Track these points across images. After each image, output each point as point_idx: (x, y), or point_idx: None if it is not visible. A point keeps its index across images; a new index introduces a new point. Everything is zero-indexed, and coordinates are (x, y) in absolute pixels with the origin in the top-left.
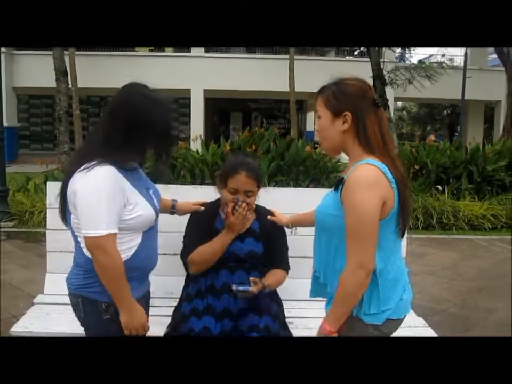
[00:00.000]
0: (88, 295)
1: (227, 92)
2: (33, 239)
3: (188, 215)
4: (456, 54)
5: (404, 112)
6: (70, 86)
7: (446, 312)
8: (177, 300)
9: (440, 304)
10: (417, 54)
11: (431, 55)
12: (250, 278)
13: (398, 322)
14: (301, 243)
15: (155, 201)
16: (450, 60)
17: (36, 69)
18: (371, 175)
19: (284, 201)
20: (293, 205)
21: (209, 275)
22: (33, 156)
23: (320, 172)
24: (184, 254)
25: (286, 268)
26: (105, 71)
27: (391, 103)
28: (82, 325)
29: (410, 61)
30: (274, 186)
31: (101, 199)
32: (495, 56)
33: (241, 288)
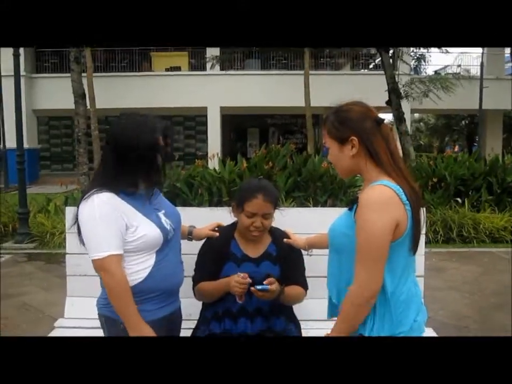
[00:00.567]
0: (110, 315)
1: (243, 108)
2: (54, 260)
3: None
4: (472, 64)
5: (421, 123)
6: (88, 107)
7: (468, 329)
8: (195, 322)
9: (461, 321)
10: (432, 65)
11: (446, 66)
12: (265, 281)
13: None
14: (316, 263)
15: (163, 220)
16: (466, 70)
17: (54, 91)
18: (384, 196)
19: (301, 222)
20: (310, 225)
21: (226, 299)
22: (54, 177)
23: (337, 187)
24: (194, 280)
25: (304, 287)
26: (122, 91)
27: (407, 115)
28: None
29: (425, 72)
30: (291, 202)
31: (98, 224)
32: None
33: (259, 287)
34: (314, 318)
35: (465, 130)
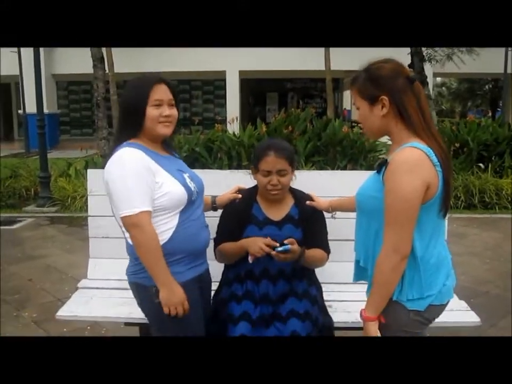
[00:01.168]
0: (139, 281)
1: (262, 72)
2: (75, 223)
3: None
4: None
5: (444, 88)
6: (107, 71)
7: (488, 294)
8: (218, 284)
9: (482, 286)
10: None
11: None
12: (286, 240)
13: (440, 309)
14: (339, 226)
15: (188, 181)
16: None
17: (73, 56)
18: (414, 159)
19: (322, 184)
20: (331, 187)
21: (248, 260)
22: (74, 142)
23: (357, 151)
24: (215, 242)
25: (326, 251)
26: (141, 56)
27: (430, 79)
28: (142, 311)
29: None
30: (311, 167)
31: (129, 179)
32: None
33: (280, 248)
34: (336, 281)
35: (488, 95)
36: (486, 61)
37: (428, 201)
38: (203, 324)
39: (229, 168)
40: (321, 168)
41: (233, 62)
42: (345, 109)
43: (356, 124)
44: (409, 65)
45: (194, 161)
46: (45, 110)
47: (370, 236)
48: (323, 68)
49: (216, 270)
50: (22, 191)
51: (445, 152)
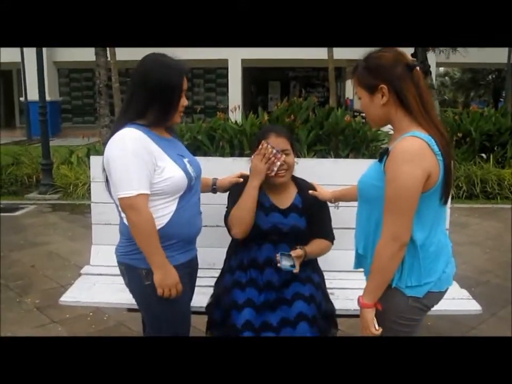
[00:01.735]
0: (130, 262)
1: (264, 61)
2: (77, 211)
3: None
4: None
5: (447, 78)
6: (109, 59)
7: (489, 283)
8: (219, 271)
9: (483, 275)
10: None
11: None
12: (292, 253)
13: (439, 295)
14: (342, 214)
15: (188, 166)
16: None
17: None
18: (415, 148)
19: (324, 173)
20: (332, 176)
21: (252, 248)
22: (76, 129)
23: (360, 141)
24: (226, 219)
25: (330, 238)
26: None
27: (433, 69)
28: (130, 292)
29: None
30: (313, 155)
31: (130, 160)
32: None
33: (287, 268)
34: (338, 269)
35: (491, 85)
36: (489, 51)
37: (428, 190)
38: (189, 307)
39: (231, 157)
40: (323, 157)
41: (235, 51)
42: (347, 98)
43: (358, 113)
44: (412, 55)
45: (196, 149)
46: (47, 98)
47: (371, 224)
48: (325, 57)
49: (210, 256)
50: (24, 178)
51: (446, 141)
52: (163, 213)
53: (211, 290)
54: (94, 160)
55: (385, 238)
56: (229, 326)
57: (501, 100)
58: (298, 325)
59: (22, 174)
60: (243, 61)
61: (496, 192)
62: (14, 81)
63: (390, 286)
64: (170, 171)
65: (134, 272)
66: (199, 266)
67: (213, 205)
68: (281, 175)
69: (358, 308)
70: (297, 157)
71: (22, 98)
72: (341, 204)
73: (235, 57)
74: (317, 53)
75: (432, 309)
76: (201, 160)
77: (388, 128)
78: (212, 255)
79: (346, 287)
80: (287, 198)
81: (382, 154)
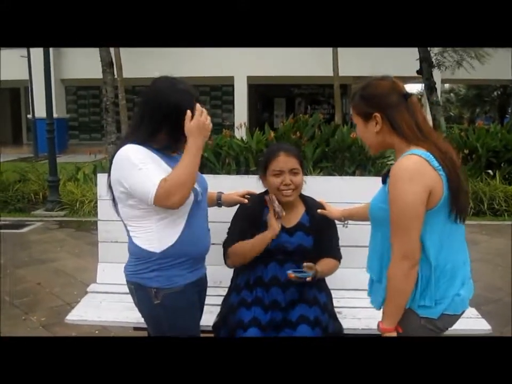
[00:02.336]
0: (139, 281)
1: (270, 78)
2: (84, 227)
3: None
4: None
5: (452, 94)
6: (115, 76)
7: (499, 301)
8: (226, 289)
9: (493, 293)
10: None
11: None
12: (305, 264)
13: (454, 318)
14: (350, 232)
15: (195, 185)
16: None
17: (82, 61)
18: (413, 165)
19: (331, 190)
20: (340, 194)
21: (257, 267)
22: (82, 146)
23: (365, 158)
24: (226, 244)
25: (338, 258)
26: (150, 61)
27: (438, 85)
28: (138, 310)
29: None
30: (319, 173)
31: (135, 166)
32: None
33: (299, 275)
34: (346, 288)
35: (497, 102)
36: (495, 67)
37: (434, 206)
38: (199, 326)
39: (237, 174)
40: (329, 174)
41: (241, 68)
42: (351, 119)
43: None
44: (418, 71)
45: (202, 166)
46: (54, 115)
47: (384, 247)
48: (331, 74)
49: (217, 274)
50: (31, 195)
51: (449, 156)
52: (172, 231)
53: (218, 309)
54: (101, 178)
55: (396, 258)
56: None
57: (507, 116)
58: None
59: (28, 191)
60: (249, 78)
61: (503, 209)
62: (21, 99)
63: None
64: None
65: (144, 291)
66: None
67: (220, 223)
68: (287, 194)
69: (366, 327)
70: (304, 175)
71: (29, 116)
72: (349, 222)
73: (241, 74)
74: (323, 70)
75: (445, 337)
76: (208, 178)
77: None
78: (218, 273)
79: (354, 306)
80: (293, 217)
81: (384, 176)
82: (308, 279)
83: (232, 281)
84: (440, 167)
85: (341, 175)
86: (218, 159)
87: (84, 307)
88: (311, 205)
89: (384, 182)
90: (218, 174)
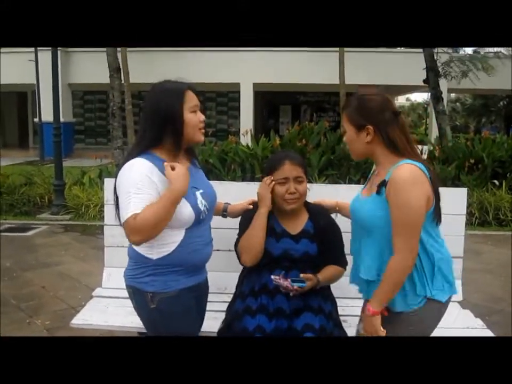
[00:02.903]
0: (137, 286)
1: (276, 85)
2: (89, 232)
3: None
4: None
5: (458, 104)
6: (122, 81)
7: (503, 312)
8: (231, 296)
9: (497, 304)
10: None
11: None
12: (302, 275)
13: (449, 301)
14: None
15: (200, 200)
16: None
17: (90, 66)
18: (416, 174)
19: (338, 199)
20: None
21: (263, 274)
22: (88, 150)
23: (371, 166)
24: (235, 245)
25: (343, 264)
26: (156, 67)
27: (444, 95)
28: (137, 314)
29: (464, 51)
30: (324, 180)
31: (127, 188)
32: None
33: (297, 284)
34: (351, 296)
35: (503, 111)
36: (501, 77)
37: (427, 211)
38: (197, 331)
39: (242, 180)
40: (334, 182)
41: (247, 74)
42: (342, 124)
43: None
44: (424, 81)
45: (208, 172)
46: (61, 119)
47: (383, 250)
48: (337, 82)
49: (222, 281)
50: (37, 199)
51: (432, 169)
52: (169, 240)
53: (223, 315)
54: (108, 183)
55: (403, 254)
56: None
57: None
58: None
59: (34, 194)
60: (255, 84)
61: (509, 219)
62: (28, 103)
63: (425, 297)
64: (177, 207)
65: (141, 295)
66: (211, 291)
67: (225, 229)
68: (292, 202)
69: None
70: (309, 182)
71: (36, 119)
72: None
73: (247, 81)
74: (329, 78)
75: (445, 337)
76: (214, 184)
77: None
78: (223, 279)
79: (359, 314)
80: (298, 224)
81: (380, 187)
82: (296, 287)
83: (237, 288)
84: (429, 177)
85: (346, 183)
86: (223, 165)
87: (89, 311)
88: (314, 211)
89: (379, 192)
90: (223, 180)
